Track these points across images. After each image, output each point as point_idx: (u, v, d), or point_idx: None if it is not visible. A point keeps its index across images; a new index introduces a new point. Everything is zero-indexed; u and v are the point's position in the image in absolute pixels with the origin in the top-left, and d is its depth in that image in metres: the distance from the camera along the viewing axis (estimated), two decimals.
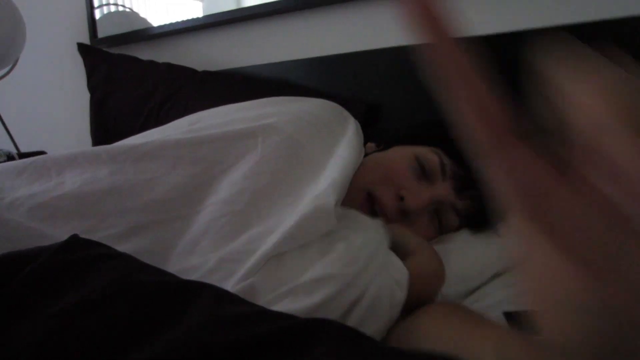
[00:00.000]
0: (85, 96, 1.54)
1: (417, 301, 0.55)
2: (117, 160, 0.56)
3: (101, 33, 1.71)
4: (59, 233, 0.42)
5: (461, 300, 0.65)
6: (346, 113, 0.74)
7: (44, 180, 0.55)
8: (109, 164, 0.56)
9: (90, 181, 0.54)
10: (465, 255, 0.68)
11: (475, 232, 0.72)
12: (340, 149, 0.64)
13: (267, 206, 0.54)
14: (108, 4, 1.76)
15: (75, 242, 0.40)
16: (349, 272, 0.48)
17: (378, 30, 1.17)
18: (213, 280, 0.47)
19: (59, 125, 1.87)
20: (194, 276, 0.48)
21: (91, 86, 1.50)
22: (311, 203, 0.52)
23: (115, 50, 1.59)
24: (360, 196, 0.67)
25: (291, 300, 0.45)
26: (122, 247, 0.47)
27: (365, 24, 1.20)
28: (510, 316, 0.56)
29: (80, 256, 0.39)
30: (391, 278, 0.52)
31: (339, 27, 1.24)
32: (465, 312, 0.50)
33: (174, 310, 0.35)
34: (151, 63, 1.44)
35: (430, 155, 0.69)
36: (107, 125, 1.44)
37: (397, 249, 0.62)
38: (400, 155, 0.71)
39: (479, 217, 0.71)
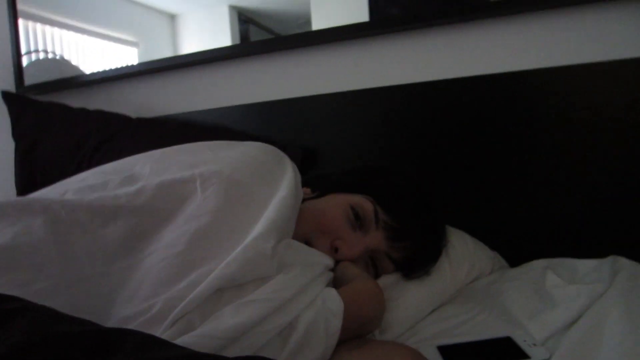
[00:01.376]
0: (6, 146, 1.46)
1: (358, 327, 0.57)
2: (51, 210, 0.54)
3: (28, 80, 1.65)
4: None
5: (397, 336, 0.66)
6: (282, 154, 0.76)
7: None
8: (43, 214, 0.53)
9: (22, 232, 0.51)
10: (401, 300, 0.70)
11: (408, 278, 0.75)
12: (280, 190, 0.65)
13: (210, 247, 0.53)
14: (37, 51, 1.71)
15: None
16: (277, 297, 0.49)
17: (313, 77, 1.23)
18: (153, 325, 0.46)
19: None
20: (135, 323, 0.46)
21: (17, 135, 1.43)
22: (252, 247, 0.53)
23: (44, 98, 1.54)
24: None
25: (218, 321, 0.45)
26: (60, 300, 0.45)
27: (299, 72, 1.25)
28: (442, 349, 0.58)
29: None
30: (326, 308, 0.53)
31: (273, 74, 1.28)
32: (378, 343, 0.56)
33: (96, 358, 0.33)
34: (82, 110, 1.40)
35: (364, 204, 0.72)
36: (35, 174, 1.37)
37: (341, 282, 0.64)
38: (335, 204, 0.73)
39: (412, 264, 0.74)
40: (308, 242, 0.69)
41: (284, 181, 0.66)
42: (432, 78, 1.07)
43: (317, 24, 1.23)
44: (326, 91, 1.17)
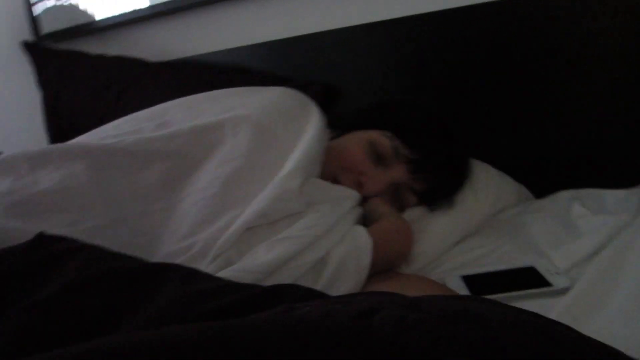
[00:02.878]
0: (33, 95, 1.49)
1: (386, 262, 0.60)
2: (92, 155, 0.57)
3: (43, 29, 1.64)
4: (42, 228, 0.43)
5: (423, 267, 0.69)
6: (307, 99, 0.77)
7: (15, 177, 0.55)
8: (85, 159, 0.57)
9: (67, 176, 0.55)
10: (427, 233, 0.72)
11: (432, 209, 0.77)
12: (306, 132, 0.66)
13: (242, 189, 0.57)
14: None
15: (41, 240, 0.41)
16: (309, 234, 0.53)
17: (332, 11, 1.19)
18: (195, 261, 0.50)
19: (12, 127, 1.80)
20: (177, 260, 0.50)
21: (42, 84, 1.45)
22: (279, 185, 0.56)
23: (59, 46, 1.54)
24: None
25: (253, 257, 0.49)
26: (104, 239, 0.48)
27: (317, 6, 1.21)
28: (467, 279, 0.60)
29: (47, 253, 0.40)
30: (355, 244, 0.57)
31: (292, 10, 1.24)
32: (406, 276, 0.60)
33: (145, 292, 0.37)
34: (101, 57, 1.40)
35: (382, 139, 0.73)
36: (63, 122, 1.40)
37: (371, 218, 0.67)
38: (355, 142, 0.75)
39: (434, 195, 0.76)
40: (335, 180, 0.72)
41: (309, 124, 0.68)
42: (448, 6, 1.02)
43: None
44: (343, 25, 1.14)
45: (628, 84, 0.89)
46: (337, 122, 0.83)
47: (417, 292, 0.50)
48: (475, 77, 1.01)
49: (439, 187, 0.75)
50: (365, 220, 0.68)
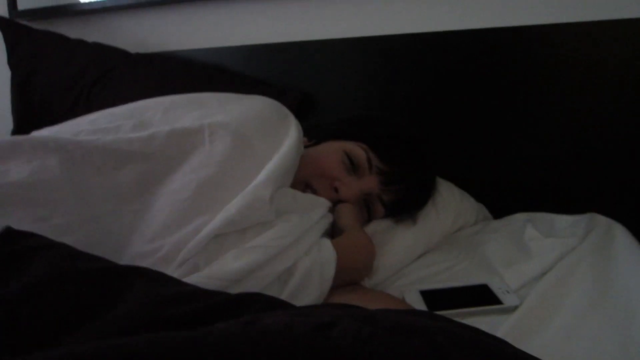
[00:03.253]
0: (3, 74, 1.45)
1: (348, 275, 0.63)
2: (66, 150, 0.56)
3: (22, 4, 1.59)
4: (8, 222, 0.43)
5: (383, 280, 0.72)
6: (286, 110, 0.78)
7: None
8: (58, 153, 0.55)
9: (39, 169, 0.53)
10: (390, 246, 0.76)
11: (396, 222, 0.81)
12: (283, 145, 0.68)
13: (214, 196, 0.57)
14: None
15: (9, 235, 0.41)
16: (277, 244, 0.54)
17: (315, 22, 1.21)
18: (162, 264, 0.50)
19: None
20: (145, 262, 0.51)
21: (13, 63, 1.41)
22: (251, 193, 0.57)
23: (36, 25, 1.50)
24: (300, 188, 0.74)
25: (221, 264, 0.50)
26: (73, 237, 0.49)
27: (302, 15, 1.23)
28: (424, 293, 0.64)
29: (14, 248, 0.39)
30: (321, 256, 0.59)
31: (276, 16, 1.26)
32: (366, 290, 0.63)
33: (111, 294, 0.37)
34: (80, 42, 1.37)
35: (357, 150, 0.76)
36: (32, 104, 1.37)
37: (335, 226, 0.70)
38: (332, 150, 0.78)
39: (402, 207, 0.80)
40: (308, 184, 0.75)
41: (287, 136, 0.69)
42: (429, 29, 1.06)
43: None
44: (326, 37, 1.16)
45: (583, 117, 0.95)
46: (313, 131, 0.86)
47: (375, 306, 0.53)
48: (446, 98, 1.05)
49: (407, 199, 0.79)
50: (332, 227, 0.71)
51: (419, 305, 0.61)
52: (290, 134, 0.70)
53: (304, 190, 0.75)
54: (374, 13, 1.14)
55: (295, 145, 0.68)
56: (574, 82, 0.95)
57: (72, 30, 1.49)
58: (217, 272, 0.49)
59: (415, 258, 0.78)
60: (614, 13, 0.91)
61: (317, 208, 0.67)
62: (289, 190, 0.66)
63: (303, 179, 0.74)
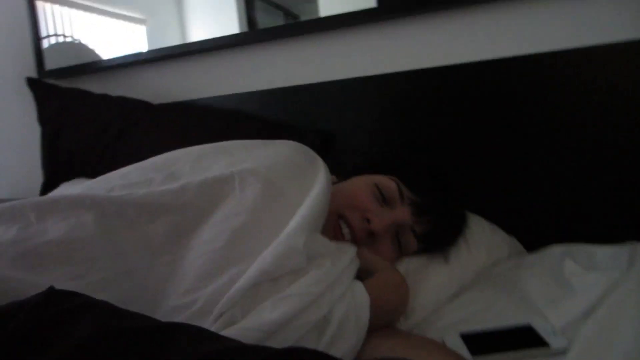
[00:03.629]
0: (33, 131, 1.50)
1: (384, 317, 0.61)
2: (101, 206, 0.57)
3: (48, 65, 1.67)
4: (47, 281, 0.43)
5: (420, 322, 0.69)
6: (313, 153, 0.79)
7: (22, 226, 0.54)
8: (93, 210, 0.56)
9: (75, 227, 0.54)
10: (424, 284, 0.74)
11: (430, 252, 0.80)
12: (313, 189, 0.68)
13: (247, 244, 0.56)
14: (55, 35, 1.72)
15: (53, 295, 0.41)
16: (312, 291, 0.53)
17: (325, 64, 1.23)
18: (198, 317, 0.49)
19: (9, 163, 1.81)
20: (180, 316, 0.50)
21: (42, 120, 1.46)
22: (284, 242, 0.56)
23: (62, 83, 1.56)
24: (333, 219, 0.74)
25: (258, 316, 0.49)
26: (109, 293, 0.48)
27: (311, 58, 1.25)
28: (465, 337, 0.61)
29: (59, 309, 0.39)
30: (355, 301, 0.57)
31: (285, 60, 1.29)
32: (406, 335, 0.61)
33: (158, 350, 0.37)
34: (104, 96, 1.42)
35: (388, 182, 0.77)
36: (60, 159, 1.41)
37: (364, 271, 0.68)
38: (363, 183, 0.79)
39: (434, 239, 0.79)
40: (341, 216, 0.75)
41: (317, 181, 0.69)
42: (444, 63, 1.07)
43: (324, 1, 1.23)
44: (339, 77, 1.18)
45: (617, 141, 0.93)
46: (341, 169, 0.86)
47: (418, 352, 0.50)
48: (468, 131, 1.05)
49: (439, 230, 0.78)
50: (359, 272, 0.69)
51: (461, 349, 0.58)
52: (319, 177, 0.70)
53: (336, 222, 0.75)
54: (381, 51, 1.16)
55: (324, 189, 0.68)
56: (599, 105, 0.93)
57: (96, 84, 1.55)
58: (254, 324, 0.47)
59: (450, 296, 0.76)
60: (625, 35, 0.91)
61: (346, 252, 0.66)
62: (317, 236, 0.65)
63: (335, 211, 0.74)
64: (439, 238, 0.80)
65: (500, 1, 1.03)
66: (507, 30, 1.04)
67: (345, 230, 0.75)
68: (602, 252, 0.79)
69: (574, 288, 0.69)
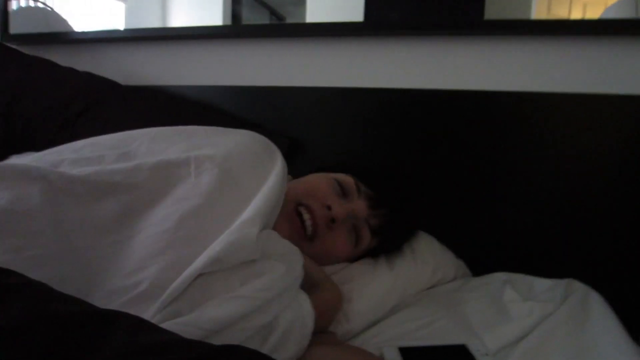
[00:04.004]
0: None
1: (322, 328, 0.62)
2: (48, 179, 0.54)
3: (14, 29, 1.60)
4: None
5: (362, 334, 0.71)
6: (273, 146, 0.79)
7: None
8: (40, 182, 0.53)
9: (20, 197, 0.51)
10: (365, 292, 0.76)
11: (378, 256, 0.83)
12: (268, 181, 0.67)
13: (196, 228, 0.55)
14: None
15: None
16: (263, 296, 0.52)
17: (304, 68, 1.24)
18: (141, 302, 0.48)
19: None
20: (123, 298, 0.48)
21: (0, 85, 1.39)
22: (237, 231, 0.55)
23: (28, 51, 1.50)
24: (290, 207, 0.75)
25: (202, 312, 0.47)
26: (50, 269, 0.47)
27: (292, 60, 1.26)
28: (403, 350, 0.63)
29: None
30: (302, 312, 0.58)
31: (265, 59, 1.29)
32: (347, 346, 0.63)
33: (91, 339, 0.35)
34: (70, 70, 1.37)
35: (346, 178, 0.82)
36: (15, 129, 1.34)
37: (305, 280, 0.68)
38: (322, 177, 0.82)
39: (387, 234, 0.82)
40: (301, 203, 0.76)
41: (273, 173, 0.69)
42: (420, 86, 1.11)
43: (311, 5, 1.25)
44: (316, 84, 1.19)
45: (567, 184, 0.98)
46: (299, 176, 0.86)
47: None
48: (432, 155, 1.08)
49: (393, 225, 0.82)
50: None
51: None
52: (276, 169, 0.70)
53: (296, 209, 0.75)
54: (361, 65, 1.18)
55: (280, 180, 0.68)
56: (562, 150, 0.98)
57: (63, 57, 1.49)
58: (197, 321, 0.46)
59: (391, 307, 0.78)
60: (609, 88, 0.98)
61: (293, 256, 0.65)
62: (270, 232, 0.65)
63: (295, 199, 0.76)
64: (392, 233, 0.83)
65: (479, 36, 1.08)
66: (480, 64, 1.08)
67: (307, 216, 0.75)
68: (541, 284, 0.83)
69: (511, 315, 0.73)
